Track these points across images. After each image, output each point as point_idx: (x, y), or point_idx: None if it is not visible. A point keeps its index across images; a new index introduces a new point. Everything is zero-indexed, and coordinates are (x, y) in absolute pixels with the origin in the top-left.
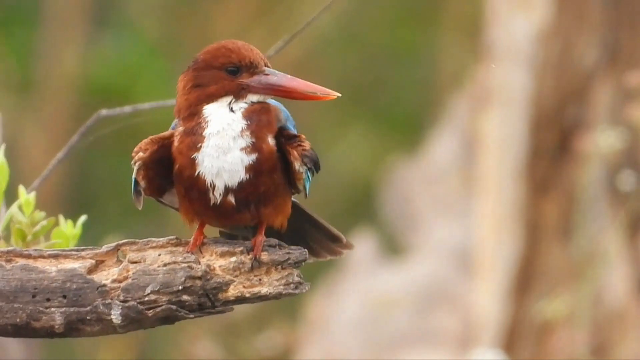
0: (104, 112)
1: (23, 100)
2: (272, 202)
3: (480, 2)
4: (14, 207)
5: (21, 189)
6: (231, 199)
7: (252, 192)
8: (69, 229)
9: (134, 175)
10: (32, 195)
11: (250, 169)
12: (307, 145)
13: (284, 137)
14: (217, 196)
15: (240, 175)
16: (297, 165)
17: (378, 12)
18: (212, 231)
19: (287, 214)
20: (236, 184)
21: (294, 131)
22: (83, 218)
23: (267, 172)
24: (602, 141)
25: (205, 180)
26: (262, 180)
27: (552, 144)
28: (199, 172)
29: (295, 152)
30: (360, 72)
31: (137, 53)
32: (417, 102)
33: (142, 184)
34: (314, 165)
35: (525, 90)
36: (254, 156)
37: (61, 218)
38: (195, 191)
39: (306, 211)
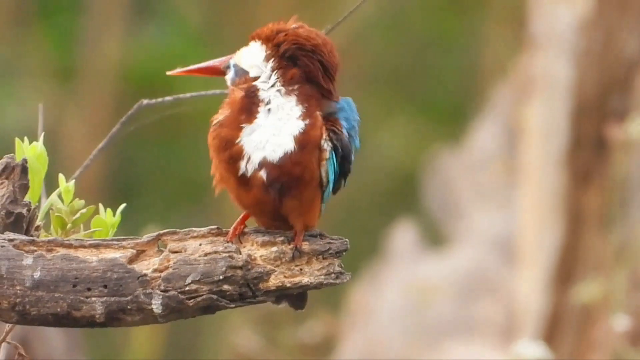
0: (145, 101)
1: (65, 88)
2: (300, 194)
3: None
4: (53, 196)
5: (61, 178)
6: (263, 175)
7: (287, 172)
8: (108, 217)
9: None
10: (72, 184)
11: (296, 140)
12: (340, 128)
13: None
14: (248, 169)
15: (288, 146)
16: (322, 140)
17: (422, 0)
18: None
19: (311, 215)
20: (278, 158)
21: (343, 124)
22: (122, 206)
23: (311, 148)
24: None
25: (243, 149)
26: (303, 158)
27: (594, 133)
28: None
29: (324, 127)
30: (403, 59)
31: (179, 41)
32: (460, 90)
33: None
34: (342, 149)
35: (567, 79)
36: (304, 122)
37: (100, 206)
38: (226, 154)
39: None
